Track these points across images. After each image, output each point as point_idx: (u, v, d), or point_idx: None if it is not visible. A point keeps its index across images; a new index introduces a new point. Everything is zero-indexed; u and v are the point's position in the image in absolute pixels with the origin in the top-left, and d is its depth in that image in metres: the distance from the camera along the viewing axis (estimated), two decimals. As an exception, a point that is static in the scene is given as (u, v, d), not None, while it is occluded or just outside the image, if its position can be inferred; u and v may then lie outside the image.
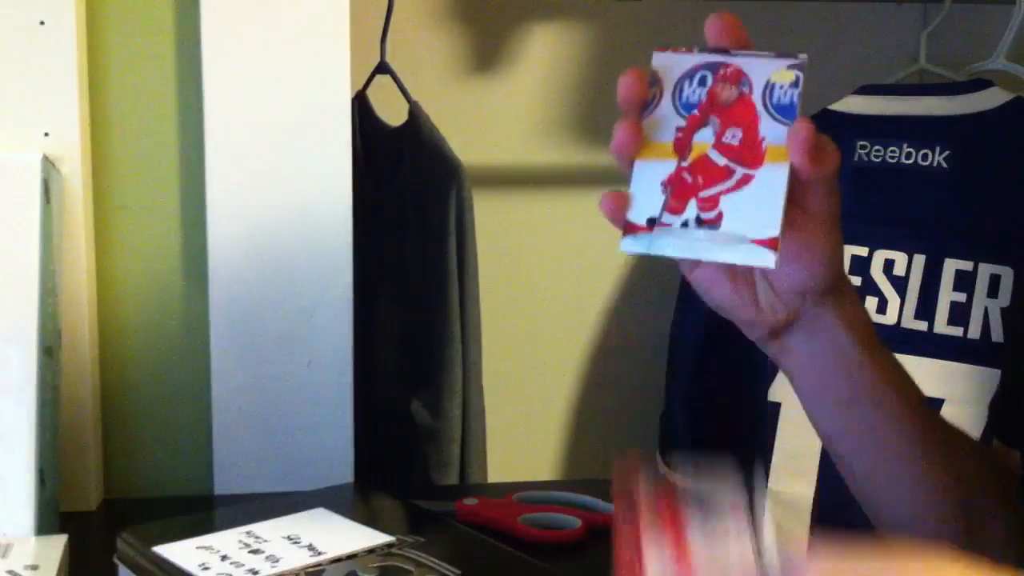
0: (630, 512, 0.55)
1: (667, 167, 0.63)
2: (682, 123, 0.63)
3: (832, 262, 0.65)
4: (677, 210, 0.62)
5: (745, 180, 0.61)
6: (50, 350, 0.97)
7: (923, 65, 1.43)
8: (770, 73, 0.62)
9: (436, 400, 1.28)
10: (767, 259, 0.60)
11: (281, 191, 1.07)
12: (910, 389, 0.71)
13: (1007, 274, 1.24)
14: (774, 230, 0.60)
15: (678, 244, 0.61)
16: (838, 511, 1.26)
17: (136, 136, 1.08)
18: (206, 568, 0.76)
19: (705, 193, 0.62)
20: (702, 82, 0.63)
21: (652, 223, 0.62)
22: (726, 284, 0.66)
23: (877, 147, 1.32)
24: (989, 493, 0.74)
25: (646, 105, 0.63)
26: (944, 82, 1.38)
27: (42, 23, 1.01)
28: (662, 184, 0.62)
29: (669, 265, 0.64)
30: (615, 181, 0.64)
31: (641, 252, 0.62)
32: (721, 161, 0.62)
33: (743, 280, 0.66)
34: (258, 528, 0.83)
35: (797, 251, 0.64)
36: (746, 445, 1.39)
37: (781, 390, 1.30)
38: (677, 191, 0.62)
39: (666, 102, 0.63)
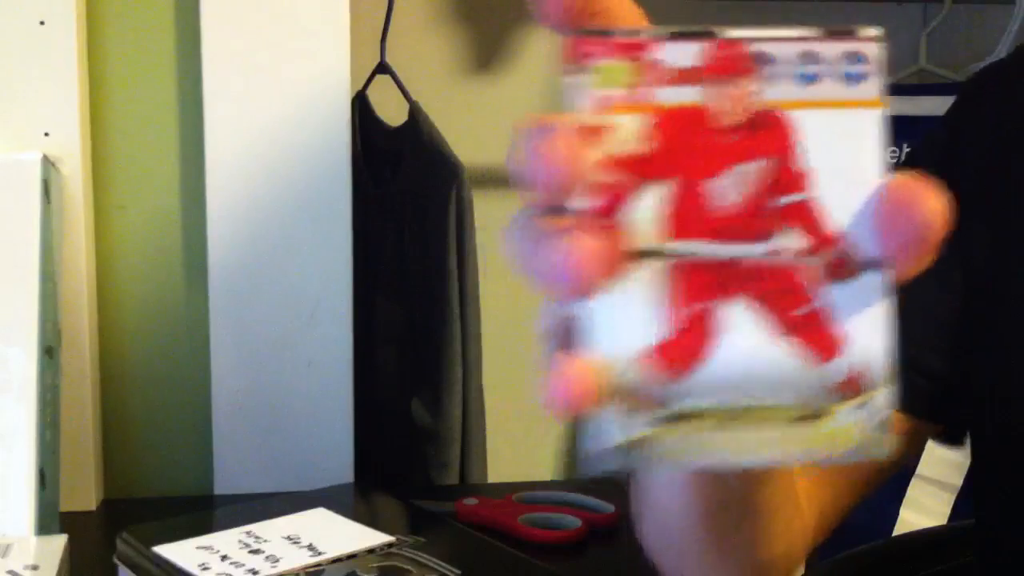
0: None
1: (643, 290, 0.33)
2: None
3: None
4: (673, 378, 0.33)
5: (802, 300, 0.32)
6: (50, 350, 0.97)
7: (923, 65, 1.43)
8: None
9: (436, 400, 1.28)
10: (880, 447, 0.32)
11: (281, 191, 1.07)
12: None
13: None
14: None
15: (691, 442, 0.33)
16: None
17: (136, 136, 1.08)
18: (206, 568, 0.76)
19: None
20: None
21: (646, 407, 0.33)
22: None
23: (877, 147, 1.31)
24: None
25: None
26: (944, 82, 1.38)
27: (42, 23, 1.01)
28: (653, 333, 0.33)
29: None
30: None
31: (625, 468, 0.33)
32: (750, 258, 0.33)
33: None
34: (258, 528, 0.83)
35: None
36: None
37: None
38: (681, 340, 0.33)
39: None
